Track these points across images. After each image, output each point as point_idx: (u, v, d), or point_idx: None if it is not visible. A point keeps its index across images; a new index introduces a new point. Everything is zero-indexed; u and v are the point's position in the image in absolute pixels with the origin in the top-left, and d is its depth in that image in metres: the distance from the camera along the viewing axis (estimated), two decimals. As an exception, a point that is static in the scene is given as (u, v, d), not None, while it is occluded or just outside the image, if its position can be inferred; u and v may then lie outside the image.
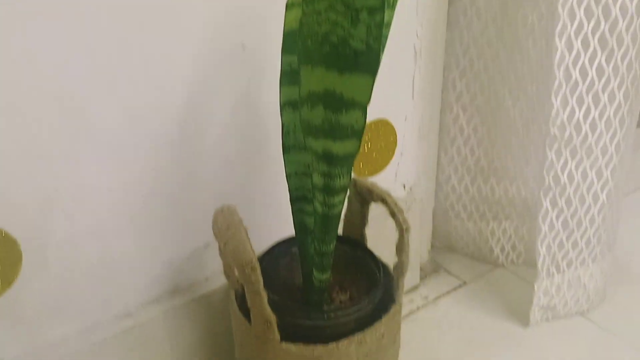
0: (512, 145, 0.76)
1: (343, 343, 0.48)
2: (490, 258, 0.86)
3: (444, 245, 0.90)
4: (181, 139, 0.55)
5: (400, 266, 0.52)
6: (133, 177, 0.53)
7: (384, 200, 0.52)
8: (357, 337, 0.49)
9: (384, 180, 0.75)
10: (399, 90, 0.71)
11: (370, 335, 0.50)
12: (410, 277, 0.83)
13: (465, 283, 0.84)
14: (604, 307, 0.78)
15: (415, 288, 0.83)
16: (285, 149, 0.48)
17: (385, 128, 0.72)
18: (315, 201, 0.45)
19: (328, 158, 0.41)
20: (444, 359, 0.71)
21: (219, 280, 0.63)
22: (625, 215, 0.79)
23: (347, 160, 0.41)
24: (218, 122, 0.57)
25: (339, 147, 0.40)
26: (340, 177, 0.42)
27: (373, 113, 0.70)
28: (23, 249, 0.49)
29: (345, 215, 0.60)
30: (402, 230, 0.50)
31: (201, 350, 0.63)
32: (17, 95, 0.45)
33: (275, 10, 0.53)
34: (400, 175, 0.77)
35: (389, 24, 0.39)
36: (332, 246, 0.48)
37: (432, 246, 0.88)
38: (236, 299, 0.53)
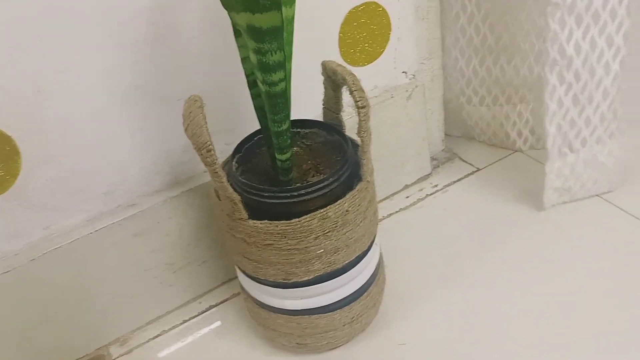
0: (520, 18, 0.71)
1: (306, 218, 0.51)
2: (507, 143, 0.83)
3: (460, 134, 0.88)
4: (155, 30, 0.56)
5: (362, 144, 0.52)
6: (114, 65, 0.56)
7: (344, 79, 0.51)
8: (320, 212, 0.51)
9: (382, 68, 0.74)
10: (388, -31, 0.68)
11: (334, 210, 0.51)
12: (421, 167, 0.82)
13: (478, 169, 0.82)
14: (626, 187, 0.74)
15: (426, 177, 0.83)
16: (236, 33, 0.49)
17: (375, 11, 0.69)
18: (258, 80, 0.45)
19: (253, 33, 0.41)
20: (450, 242, 0.72)
21: (215, 173, 0.66)
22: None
23: (274, 34, 0.41)
24: (192, 15, 0.57)
25: (261, 20, 0.40)
26: (271, 53, 0.42)
27: (359, -5, 0.67)
28: (19, 144, 0.54)
29: (323, 101, 0.60)
30: (359, 108, 0.50)
31: (203, 236, 0.67)
32: None
33: None
34: (400, 61, 0.75)
35: None
36: (284, 125, 0.49)
37: (447, 135, 0.87)
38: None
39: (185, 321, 0.68)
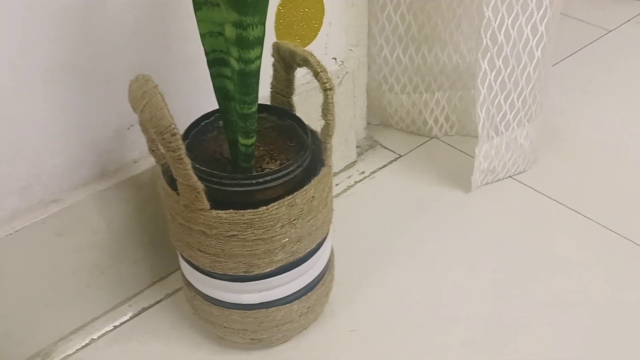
0: (442, 9, 0.74)
1: (273, 206, 0.48)
2: (424, 130, 0.87)
3: (379, 122, 0.90)
4: (89, 5, 0.50)
5: (327, 127, 0.51)
6: (34, 42, 0.48)
7: (306, 61, 0.50)
8: (287, 199, 0.49)
9: (313, 53, 0.73)
10: (323, -48, 0.67)
11: (301, 197, 0.49)
12: (347, 154, 0.83)
13: (400, 156, 0.85)
14: (535, 169, 0.81)
15: (352, 164, 0.84)
16: (197, 6, 0.45)
17: (311, -5, 0.68)
18: (231, 58, 0.42)
19: (237, 4, 0.38)
20: (383, 227, 0.73)
21: (147, 164, 0.61)
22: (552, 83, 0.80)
23: (258, 7, 0.38)
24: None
25: (246, -9, 0.37)
26: (253, 27, 0.39)
27: (296, -22, 0.65)
28: None
29: (271, 84, 0.57)
30: (326, 90, 0.48)
31: (134, 232, 0.61)
32: None
33: None
34: (331, 47, 0.74)
35: None
36: (253, 107, 0.46)
37: (368, 123, 0.88)
38: (164, 174, 0.52)
39: (115, 327, 0.61)
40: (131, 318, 0.62)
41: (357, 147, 0.86)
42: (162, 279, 0.66)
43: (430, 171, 0.82)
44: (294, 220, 0.50)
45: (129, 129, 0.59)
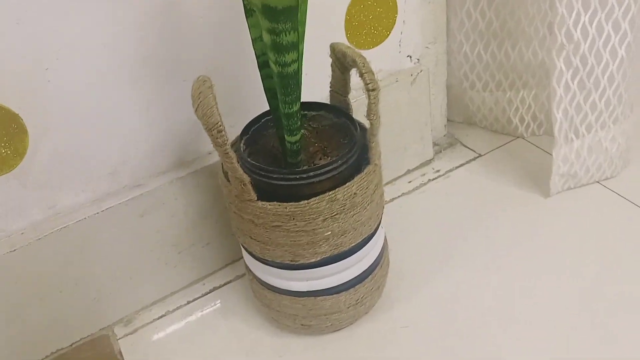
0: (526, 4, 0.71)
1: (315, 200, 0.51)
2: (509, 129, 0.84)
3: (462, 119, 0.88)
4: (163, 4, 0.56)
5: (371, 128, 0.52)
6: (121, 37, 0.55)
7: (354, 62, 0.51)
8: (329, 194, 0.51)
9: (387, 51, 0.74)
10: (395, -49, 0.67)
11: (342, 193, 0.51)
12: (422, 152, 0.83)
13: (480, 155, 0.83)
14: (626, 173, 0.75)
15: (428, 162, 0.83)
16: (248, 13, 0.48)
17: (383, -6, 0.69)
18: (270, 61, 0.45)
19: (268, 12, 0.41)
20: (452, 227, 0.72)
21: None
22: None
23: (289, 15, 0.41)
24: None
25: (276, 0, 0.40)
26: (285, 33, 0.42)
27: (367, -22, 0.67)
28: (26, 121, 0.54)
29: (330, 84, 0.60)
30: (369, 90, 0.50)
31: (208, 217, 0.68)
32: None
33: None
34: (405, 45, 0.75)
35: None
36: (295, 107, 0.49)
37: (449, 120, 0.87)
38: (222, 166, 0.57)
39: (189, 302, 0.68)
40: (203, 295, 0.69)
41: (436, 144, 0.85)
42: (233, 262, 0.72)
43: (511, 172, 0.79)
44: (336, 215, 0.52)
45: (204, 123, 0.65)
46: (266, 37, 0.43)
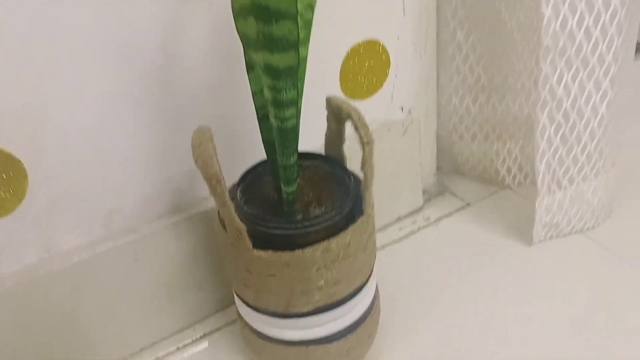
0: (512, 60, 0.74)
1: (309, 250, 0.52)
2: (497, 179, 0.86)
3: (451, 168, 0.90)
4: (163, 57, 0.57)
5: (365, 180, 0.53)
6: (119, 88, 0.56)
7: (349, 116, 0.53)
8: (323, 244, 0.52)
9: (379, 102, 0.76)
10: (389, 9, 0.71)
11: (336, 243, 0.52)
12: (413, 200, 0.84)
13: (469, 204, 0.85)
14: (608, 224, 0.77)
15: (418, 210, 0.85)
16: (248, 66, 0.50)
17: (377, 48, 0.72)
18: (270, 116, 0.47)
19: (270, 71, 0.43)
20: (441, 275, 0.73)
21: (215, 200, 0.67)
22: (630, 125, 0.76)
23: (290, 73, 0.43)
24: (198, 42, 0.59)
25: (278, 60, 0.42)
26: (286, 91, 0.44)
27: (361, 33, 0.70)
28: (27, 166, 0.55)
29: (325, 134, 0.62)
30: (364, 144, 0.52)
31: (201, 262, 0.68)
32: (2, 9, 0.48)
33: None
34: (397, 97, 0.77)
35: None
36: (292, 159, 0.50)
37: (438, 169, 0.89)
38: (218, 213, 0.58)
39: (179, 348, 0.68)
40: (193, 341, 0.68)
41: (426, 193, 0.87)
42: (224, 308, 0.72)
43: (498, 221, 0.80)
44: (330, 264, 0.53)
45: (200, 170, 0.66)
46: (267, 94, 0.45)
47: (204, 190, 0.67)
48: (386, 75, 0.74)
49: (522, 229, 0.78)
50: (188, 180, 0.66)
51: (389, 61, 0.74)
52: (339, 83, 0.71)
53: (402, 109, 0.79)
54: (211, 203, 0.68)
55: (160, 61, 0.57)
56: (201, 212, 0.66)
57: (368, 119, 0.76)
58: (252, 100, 0.64)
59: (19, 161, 0.54)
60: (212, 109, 0.63)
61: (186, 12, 0.57)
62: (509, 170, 0.85)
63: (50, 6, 0.50)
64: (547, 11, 0.60)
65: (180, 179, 0.65)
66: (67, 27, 0.52)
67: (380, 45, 0.72)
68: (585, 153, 0.69)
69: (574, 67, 0.64)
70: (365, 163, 0.52)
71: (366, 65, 0.72)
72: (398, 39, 0.73)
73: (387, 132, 0.77)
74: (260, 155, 0.62)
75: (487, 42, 0.75)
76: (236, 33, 0.60)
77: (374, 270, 0.60)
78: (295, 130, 0.48)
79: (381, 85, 0.75)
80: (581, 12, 0.61)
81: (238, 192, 0.57)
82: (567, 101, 0.65)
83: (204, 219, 0.67)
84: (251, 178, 0.60)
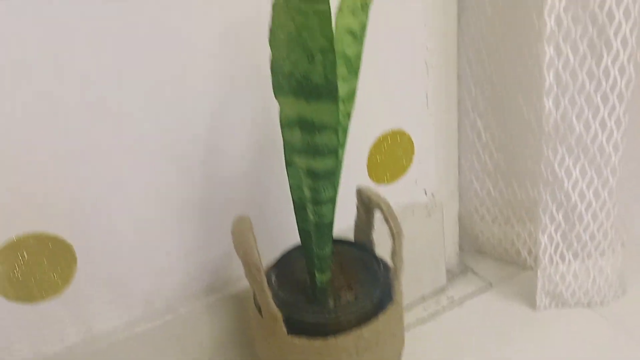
0: (530, 146, 0.78)
1: (341, 338, 0.54)
2: (518, 260, 0.88)
3: (472, 248, 0.92)
4: (206, 149, 0.62)
5: (395, 269, 0.56)
6: (165, 179, 0.61)
7: (380, 207, 0.57)
8: (355, 332, 0.54)
9: (404, 186, 0.80)
10: (414, 101, 0.76)
11: (368, 331, 0.55)
12: (436, 280, 0.86)
13: (491, 285, 0.86)
14: (620, 301, 0.78)
15: (442, 289, 0.87)
16: (287, 163, 0.54)
17: (402, 137, 0.76)
18: (308, 211, 0.51)
19: (311, 174, 0.47)
20: (466, 356, 0.74)
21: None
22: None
23: (329, 175, 0.47)
24: (238, 136, 0.64)
25: (319, 164, 0.46)
26: (324, 190, 0.48)
27: (388, 123, 0.74)
28: (77, 252, 0.59)
29: (355, 222, 0.65)
30: (394, 236, 0.55)
31: (236, 341, 0.70)
32: (64, 103, 0.53)
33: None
34: (421, 181, 0.81)
35: (359, 56, 0.45)
36: (327, 250, 0.53)
37: (461, 249, 0.91)
38: (254, 298, 0.60)
39: None
40: (222, 421, 0.69)
41: (449, 272, 0.89)
42: (253, 387, 0.74)
43: (521, 304, 0.82)
44: (362, 351, 0.55)
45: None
46: (307, 192, 0.49)
47: (238, 270, 0.71)
48: (411, 161, 0.79)
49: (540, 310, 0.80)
50: (224, 262, 0.69)
51: (414, 148, 0.78)
52: (366, 169, 0.75)
53: (425, 192, 0.82)
54: (244, 283, 0.70)
55: (204, 156, 0.62)
56: (235, 293, 0.69)
57: (393, 202, 0.80)
58: (285, 188, 0.68)
59: (70, 246, 0.58)
60: (249, 197, 0.67)
61: (229, 112, 0.62)
62: (529, 252, 0.87)
63: (110, 114, 0.56)
64: (548, 103, 0.64)
65: (217, 261, 0.68)
66: (124, 127, 0.57)
67: (405, 134, 0.76)
68: (589, 233, 0.72)
69: (575, 153, 0.68)
70: (395, 254, 0.55)
71: (392, 153, 0.76)
72: (422, 128, 0.77)
73: (411, 215, 0.80)
74: (293, 238, 0.65)
75: (506, 130, 0.79)
76: (274, 127, 0.66)
77: (402, 354, 0.62)
78: (331, 224, 0.51)
79: (406, 170, 0.79)
80: (580, 105, 0.66)
81: (273, 276, 0.60)
82: (568, 183, 0.69)
83: (238, 299, 0.69)
84: (285, 263, 0.63)
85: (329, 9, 0.35)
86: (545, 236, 0.73)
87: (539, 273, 0.75)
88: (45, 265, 0.57)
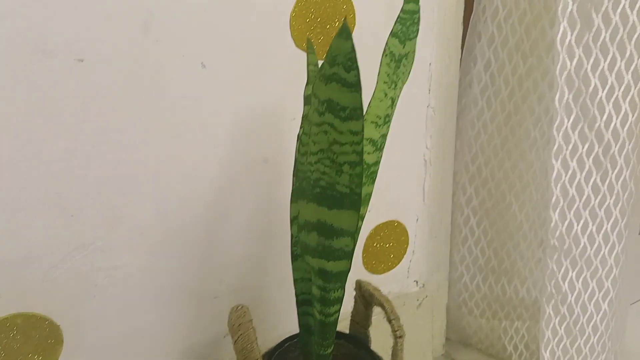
0: (521, 247, 0.80)
1: None
2: (504, 355, 0.88)
3: (458, 340, 0.92)
4: (206, 235, 0.62)
5: (395, 370, 0.56)
6: (161, 264, 0.60)
7: (382, 306, 0.57)
8: None
9: (396, 276, 0.80)
10: (411, 194, 0.77)
11: None
12: (422, 371, 0.85)
13: (477, 380, 0.86)
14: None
15: (427, 382, 0.86)
16: (293, 257, 0.54)
17: (397, 228, 0.77)
18: (314, 310, 0.50)
19: (323, 274, 0.47)
20: None
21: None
22: (632, 324, 0.80)
23: (340, 277, 0.47)
24: (239, 224, 0.64)
25: (332, 266, 0.46)
26: (334, 291, 0.48)
27: (385, 214, 0.76)
28: (64, 333, 0.56)
29: (352, 315, 0.65)
30: (396, 337, 0.54)
31: None
32: (60, 189, 0.53)
33: (295, 131, 0.61)
34: (413, 272, 0.82)
35: (377, 163, 0.46)
36: (329, 350, 0.53)
37: (447, 340, 0.91)
38: (246, 390, 0.59)
39: None
40: None
41: (434, 364, 0.88)
42: None
43: (507, 402, 0.81)
44: None
45: (224, 337, 0.68)
46: (316, 291, 0.49)
47: (225, 356, 0.69)
48: (404, 252, 0.79)
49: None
50: (212, 347, 0.67)
51: (408, 240, 0.79)
52: (361, 258, 0.76)
53: (416, 282, 0.82)
54: (231, 370, 0.68)
55: (203, 241, 0.62)
56: (220, 380, 0.67)
57: (384, 291, 0.81)
58: (284, 278, 0.68)
59: (59, 327, 0.56)
60: (244, 283, 0.66)
61: (231, 198, 0.63)
62: (515, 348, 0.87)
63: (112, 199, 0.56)
64: (555, 216, 0.67)
65: (205, 346, 0.67)
66: (129, 214, 0.57)
67: (401, 225, 0.77)
68: (589, 345, 0.73)
69: (579, 266, 0.70)
70: (397, 355, 0.55)
71: (387, 243, 0.77)
72: (417, 220, 0.79)
73: (402, 305, 0.80)
74: (285, 327, 0.64)
75: (498, 229, 0.81)
76: (276, 218, 0.66)
77: None
78: (336, 323, 0.51)
79: (399, 261, 0.79)
80: (585, 219, 0.68)
81: (266, 369, 0.59)
82: (572, 296, 0.70)
83: (222, 387, 0.67)
84: (278, 354, 0.61)
85: (363, 128, 0.37)
86: (548, 352, 0.73)
87: None
88: (31, 346, 0.55)
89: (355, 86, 0.35)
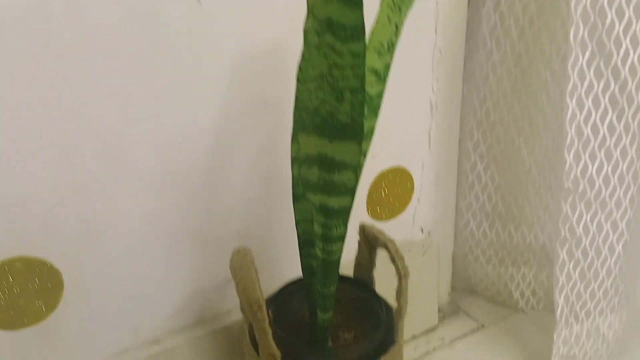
0: (529, 193, 0.79)
1: (342, 379, 0.52)
2: (510, 302, 0.88)
3: (464, 288, 0.92)
4: (207, 179, 0.61)
5: (399, 310, 0.55)
6: (162, 208, 0.59)
7: (386, 247, 0.56)
8: (356, 375, 0.53)
9: (402, 223, 0.79)
10: (416, 140, 0.75)
11: (368, 373, 0.53)
12: (428, 319, 0.85)
13: (483, 326, 0.85)
14: (623, 357, 0.78)
15: (433, 329, 0.85)
16: (295, 198, 0.53)
17: (403, 175, 0.76)
18: (316, 248, 0.49)
19: (324, 211, 0.46)
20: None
21: (239, 314, 0.68)
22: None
23: (342, 213, 0.46)
24: (241, 168, 0.62)
25: (334, 202, 0.45)
26: (336, 228, 0.47)
27: (390, 160, 0.74)
28: (64, 278, 0.56)
29: (356, 259, 0.64)
30: (401, 277, 0.54)
31: (220, 378, 0.67)
32: (58, 132, 0.51)
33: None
34: (418, 219, 0.80)
35: (380, 96, 0.44)
36: (332, 289, 0.52)
37: (453, 288, 0.91)
38: (249, 332, 0.58)
39: None
40: None
41: (440, 311, 0.88)
42: None
43: (512, 346, 0.81)
44: (360, 394, 0.53)
45: (227, 282, 0.67)
46: (317, 229, 0.48)
47: (229, 303, 0.68)
48: (410, 199, 0.78)
49: (536, 356, 0.79)
50: (216, 293, 0.67)
51: (413, 187, 0.77)
52: (365, 204, 0.74)
53: (422, 230, 0.81)
54: (234, 317, 0.68)
55: (205, 186, 0.61)
56: (224, 326, 0.67)
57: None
58: (287, 222, 0.67)
59: (58, 272, 0.56)
60: (248, 228, 0.65)
61: (233, 143, 0.61)
62: (522, 294, 0.86)
63: (113, 140, 0.54)
64: (569, 158, 0.65)
65: (208, 292, 0.66)
66: (122, 153, 0.55)
67: (406, 171, 0.76)
68: (602, 289, 0.72)
69: (593, 208, 0.68)
70: (401, 294, 0.54)
71: (392, 190, 0.76)
72: (423, 167, 0.77)
73: (407, 252, 0.79)
74: (290, 272, 0.64)
75: (506, 174, 0.79)
76: (277, 160, 0.65)
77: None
78: (338, 262, 0.50)
79: (404, 208, 0.78)
80: (600, 160, 0.66)
81: (270, 312, 0.58)
82: (586, 239, 0.69)
83: (227, 333, 0.67)
84: (283, 298, 0.61)
85: (364, 49, 0.35)
86: (562, 297, 0.72)
87: (554, 337, 0.73)
88: (31, 291, 0.54)
89: (357, 2, 0.33)
